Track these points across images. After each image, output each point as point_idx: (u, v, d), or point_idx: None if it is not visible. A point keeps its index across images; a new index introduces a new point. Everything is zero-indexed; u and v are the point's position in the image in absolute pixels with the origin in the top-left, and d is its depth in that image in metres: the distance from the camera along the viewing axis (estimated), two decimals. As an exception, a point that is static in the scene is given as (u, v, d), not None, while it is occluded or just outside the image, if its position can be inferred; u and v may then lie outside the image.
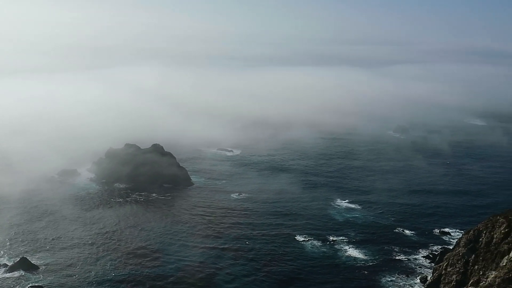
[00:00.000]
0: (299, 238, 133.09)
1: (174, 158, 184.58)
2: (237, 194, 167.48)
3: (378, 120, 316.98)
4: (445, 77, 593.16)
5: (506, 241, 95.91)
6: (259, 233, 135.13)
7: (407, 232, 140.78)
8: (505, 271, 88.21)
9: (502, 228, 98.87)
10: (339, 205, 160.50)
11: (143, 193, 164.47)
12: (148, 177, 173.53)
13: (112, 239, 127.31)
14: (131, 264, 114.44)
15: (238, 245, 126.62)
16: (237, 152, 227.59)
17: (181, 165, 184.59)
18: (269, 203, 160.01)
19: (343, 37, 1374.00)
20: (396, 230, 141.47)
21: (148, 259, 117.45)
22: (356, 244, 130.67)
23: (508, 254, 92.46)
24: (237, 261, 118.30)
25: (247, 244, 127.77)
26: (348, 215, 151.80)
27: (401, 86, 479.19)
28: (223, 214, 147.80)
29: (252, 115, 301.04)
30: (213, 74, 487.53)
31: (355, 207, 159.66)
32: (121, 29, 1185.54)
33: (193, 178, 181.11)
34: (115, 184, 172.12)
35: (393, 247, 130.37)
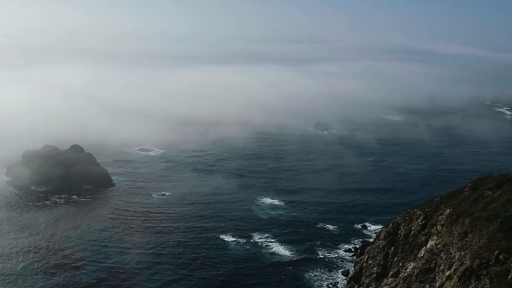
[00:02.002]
0: (226, 238, 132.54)
1: (95, 158, 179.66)
2: (161, 195, 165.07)
3: (304, 118, 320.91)
4: (363, 75, 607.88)
5: (423, 232, 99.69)
6: (185, 235, 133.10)
7: (329, 227, 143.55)
8: (423, 261, 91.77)
9: (419, 221, 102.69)
10: (263, 203, 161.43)
11: (63, 196, 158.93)
12: (67, 179, 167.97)
13: (35, 247, 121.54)
14: (56, 274, 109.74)
15: (166, 249, 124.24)
16: (161, 151, 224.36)
17: (102, 165, 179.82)
18: (194, 204, 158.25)
19: (262, 35, 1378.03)
20: (319, 226, 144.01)
21: (74, 266, 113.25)
22: (280, 242, 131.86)
23: (425, 245, 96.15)
24: (165, 266, 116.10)
25: (173, 246, 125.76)
26: (273, 213, 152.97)
27: (323, 84, 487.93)
28: (147, 217, 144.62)
29: (181, 114, 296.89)
30: (141, 73, 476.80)
31: (280, 204, 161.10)
32: (50, 28, 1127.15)
33: (115, 179, 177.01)
34: (33, 187, 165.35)
35: (315, 242, 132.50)
